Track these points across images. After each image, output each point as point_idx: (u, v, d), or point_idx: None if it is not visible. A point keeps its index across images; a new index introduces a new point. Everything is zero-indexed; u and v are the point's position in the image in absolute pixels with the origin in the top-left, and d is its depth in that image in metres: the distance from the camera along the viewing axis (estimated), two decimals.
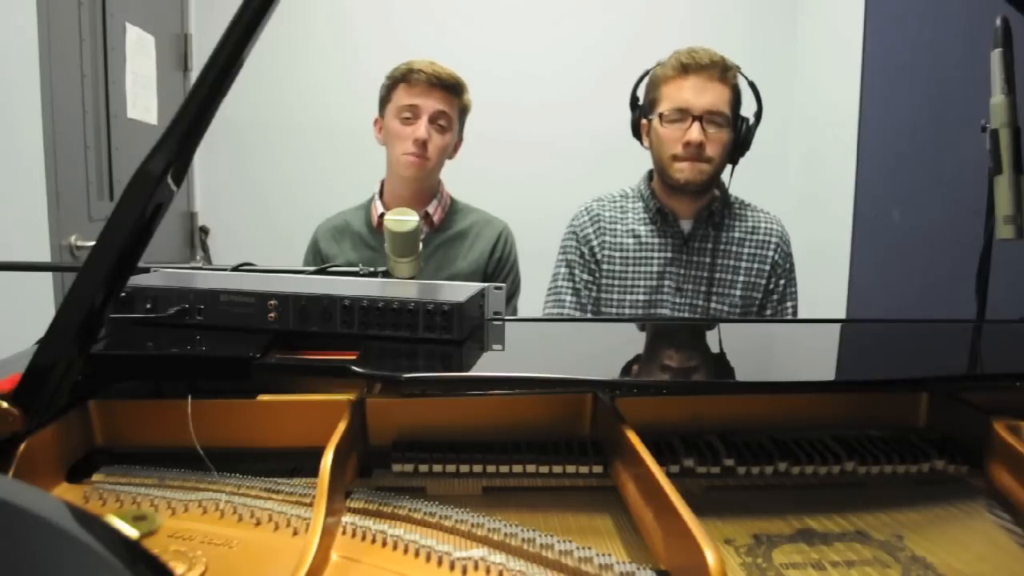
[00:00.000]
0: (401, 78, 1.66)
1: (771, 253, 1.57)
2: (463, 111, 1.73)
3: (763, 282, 1.56)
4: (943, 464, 0.75)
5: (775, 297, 1.58)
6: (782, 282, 1.58)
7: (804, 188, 2.84)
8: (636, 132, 1.58)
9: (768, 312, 1.58)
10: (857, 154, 2.44)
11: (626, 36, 2.84)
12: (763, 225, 1.59)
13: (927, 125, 2.11)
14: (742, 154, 1.52)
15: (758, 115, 1.50)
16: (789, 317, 1.59)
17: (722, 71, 1.48)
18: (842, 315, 2.44)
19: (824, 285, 2.54)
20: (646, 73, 1.55)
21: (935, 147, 2.06)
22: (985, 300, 1.15)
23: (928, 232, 2.10)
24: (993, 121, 1.05)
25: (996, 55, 1.04)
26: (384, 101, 1.71)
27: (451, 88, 1.66)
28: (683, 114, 1.47)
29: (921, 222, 2.13)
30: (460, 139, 1.76)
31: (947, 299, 1.92)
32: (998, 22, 1.03)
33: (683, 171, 1.49)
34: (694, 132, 1.46)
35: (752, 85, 1.50)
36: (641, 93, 1.57)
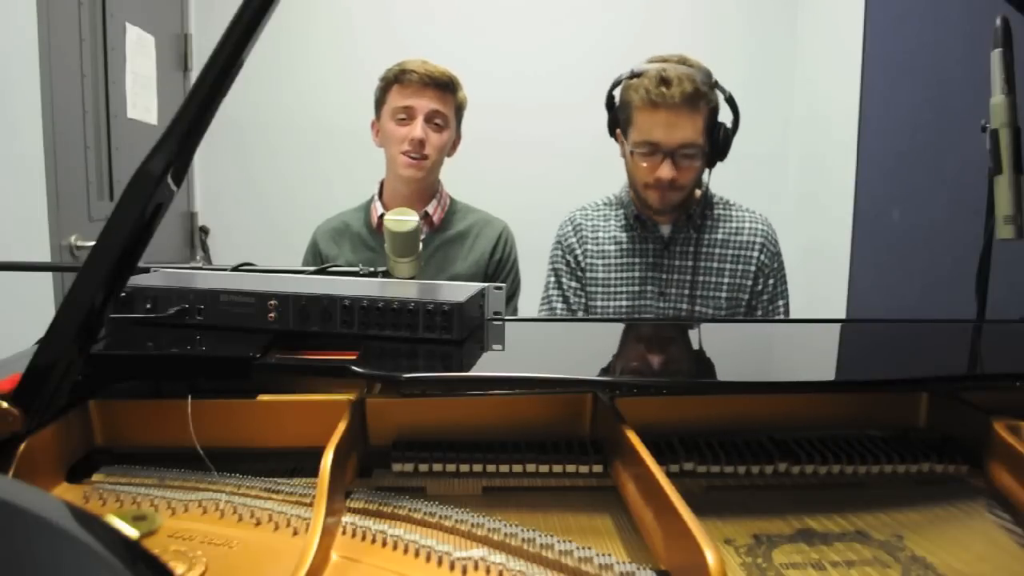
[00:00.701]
0: (394, 79, 1.66)
1: (756, 253, 1.55)
2: (459, 108, 1.72)
3: (749, 283, 1.54)
4: (943, 464, 0.74)
5: (764, 297, 1.56)
6: (771, 282, 1.56)
7: (804, 188, 2.84)
8: (613, 133, 1.55)
9: (759, 313, 1.56)
10: (857, 154, 2.44)
11: (626, 36, 2.84)
12: (747, 225, 1.56)
13: (927, 125, 2.11)
14: (720, 159, 1.46)
15: (735, 125, 1.44)
16: (780, 316, 1.58)
17: (693, 102, 1.39)
18: (842, 315, 2.44)
19: (824, 285, 2.54)
20: (619, 81, 1.48)
21: (935, 147, 2.06)
22: (985, 300, 1.15)
23: (928, 232, 2.10)
24: (993, 121, 1.05)
25: (996, 55, 1.04)
26: (379, 104, 1.70)
27: (445, 86, 1.66)
28: (654, 148, 1.42)
29: (921, 222, 2.13)
30: (458, 137, 1.76)
31: (947, 299, 1.92)
32: (998, 22, 1.03)
33: (655, 200, 1.48)
34: (665, 170, 1.42)
35: (730, 100, 1.42)
36: (617, 94, 1.50)
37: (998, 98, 1.05)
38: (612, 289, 1.56)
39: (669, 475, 0.58)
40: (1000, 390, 0.79)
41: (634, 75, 1.44)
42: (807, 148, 2.82)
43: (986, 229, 1.12)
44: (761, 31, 2.91)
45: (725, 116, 1.46)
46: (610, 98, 1.52)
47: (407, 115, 1.64)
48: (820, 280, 2.55)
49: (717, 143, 1.44)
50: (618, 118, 1.51)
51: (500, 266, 1.76)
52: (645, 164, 1.45)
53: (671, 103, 1.38)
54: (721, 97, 1.44)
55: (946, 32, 2.05)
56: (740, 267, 1.54)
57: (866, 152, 2.42)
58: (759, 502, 0.70)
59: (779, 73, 2.87)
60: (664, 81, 1.39)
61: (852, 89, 2.45)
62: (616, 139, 1.55)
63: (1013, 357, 1.01)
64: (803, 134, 2.83)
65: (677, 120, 1.40)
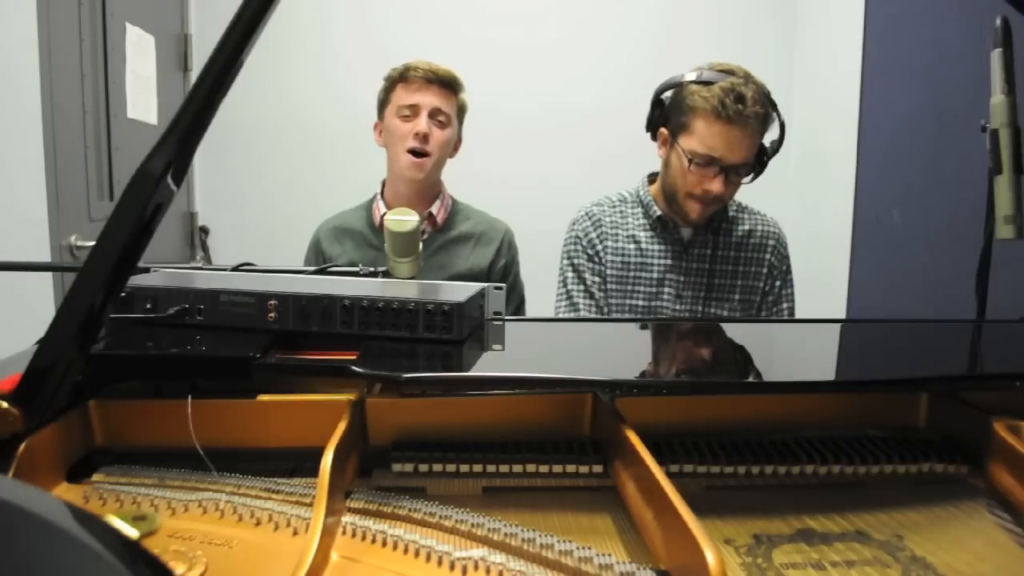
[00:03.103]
0: (399, 78, 1.67)
1: (767, 255, 1.55)
2: (461, 109, 1.73)
3: (760, 284, 1.55)
4: (943, 464, 0.74)
5: (770, 299, 1.56)
6: (777, 283, 1.56)
7: (804, 188, 2.84)
8: (651, 130, 1.51)
9: (763, 314, 1.56)
10: (857, 154, 2.44)
11: (628, 37, 2.84)
12: (760, 228, 1.57)
13: (927, 125, 2.11)
14: (758, 176, 1.47)
15: (777, 146, 1.45)
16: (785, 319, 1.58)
17: (764, 123, 1.40)
18: (842, 315, 2.44)
19: (824, 285, 2.54)
20: (675, 84, 1.44)
21: (935, 147, 2.06)
22: (985, 300, 1.15)
23: (928, 232, 2.10)
24: (993, 121, 1.05)
25: (996, 55, 1.04)
26: (383, 103, 1.71)
27: (448, 84, 1.67)
28: (713, 161, 1.40)
29: (921, 222, 2.13)
30: (460, 138, 1.76)
31: (947, 299, 1.92)
32: (998, 22, 1.04)
33: (695, 211, 1.47)
34: (717, 185, 1.41)
35: (782, 125, 1.43)
36: (668, 96, 1.47)
37: (998, 98, 1.05)
38: (629, 288, 1.54)
39: (669, 475, 0.58)
40: (1000, 390, 0.79)
41: (701, 82, 1.40)
42: (807, 148, 2.81)
43: (986, 229, 1.12)
44: (761, 30, 2.90)
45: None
46: (659, 97, 1.48)
47: (411, 112, 1.65)
48: (820, 280, 2.55)
49: (762, 161, 1.45)
50: (668, 119, 1.47)
51: (504, 273, 1.76)
52: (697, 175, 1.42)
53: (744, 122, 1.36)
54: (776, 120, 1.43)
55: (946, 32, 2.05)
56: (752, 269, 1.55)
57: (866, 152, 2.42)
58: (759, 502, 0.70)
59: (779, 74, 2.87)
60: (740, 98, 1.36)
61: (852, 89, 2.45)
62: (658, 138, 1.51)
63: (1013, 357, 1.01)
64: (803, 134, 2.83)
65: (744, 138, 1.39)
